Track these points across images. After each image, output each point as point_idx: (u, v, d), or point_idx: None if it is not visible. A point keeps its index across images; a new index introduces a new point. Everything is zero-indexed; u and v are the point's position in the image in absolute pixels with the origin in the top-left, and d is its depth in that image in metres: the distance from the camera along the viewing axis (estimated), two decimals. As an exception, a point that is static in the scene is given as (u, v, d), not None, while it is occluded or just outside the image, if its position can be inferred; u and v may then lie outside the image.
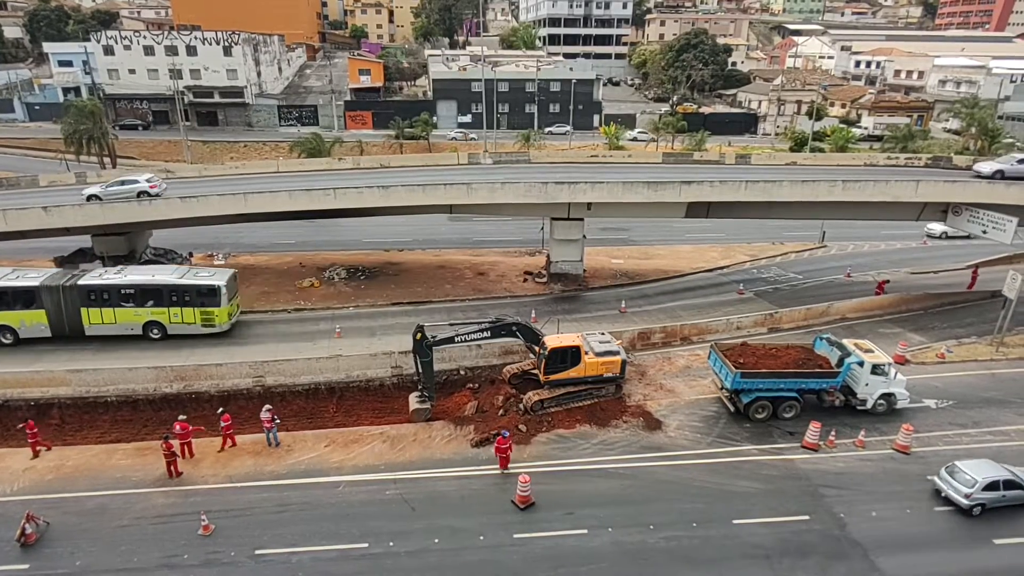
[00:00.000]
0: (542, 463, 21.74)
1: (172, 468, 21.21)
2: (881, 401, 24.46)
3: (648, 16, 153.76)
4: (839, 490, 20.48)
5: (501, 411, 24.66)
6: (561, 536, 18.47)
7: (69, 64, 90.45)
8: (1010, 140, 75.51)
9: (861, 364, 24.19)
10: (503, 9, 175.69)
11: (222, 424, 22.62)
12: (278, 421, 23.02)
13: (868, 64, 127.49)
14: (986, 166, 37.60)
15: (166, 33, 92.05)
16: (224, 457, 22.20)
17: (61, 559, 17.56)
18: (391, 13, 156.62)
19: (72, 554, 17.68)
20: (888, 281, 39.64)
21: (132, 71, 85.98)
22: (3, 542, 18.02)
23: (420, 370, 24.76)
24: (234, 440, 22.85)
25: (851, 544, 18.28)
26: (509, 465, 21.18)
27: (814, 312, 34.29)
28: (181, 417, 22.32)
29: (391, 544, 18.14)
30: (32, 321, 29.76)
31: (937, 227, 51.04)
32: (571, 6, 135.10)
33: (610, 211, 38.25)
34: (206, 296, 30.53)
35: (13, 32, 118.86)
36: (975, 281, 39.28)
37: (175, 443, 21.58)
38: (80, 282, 30.10)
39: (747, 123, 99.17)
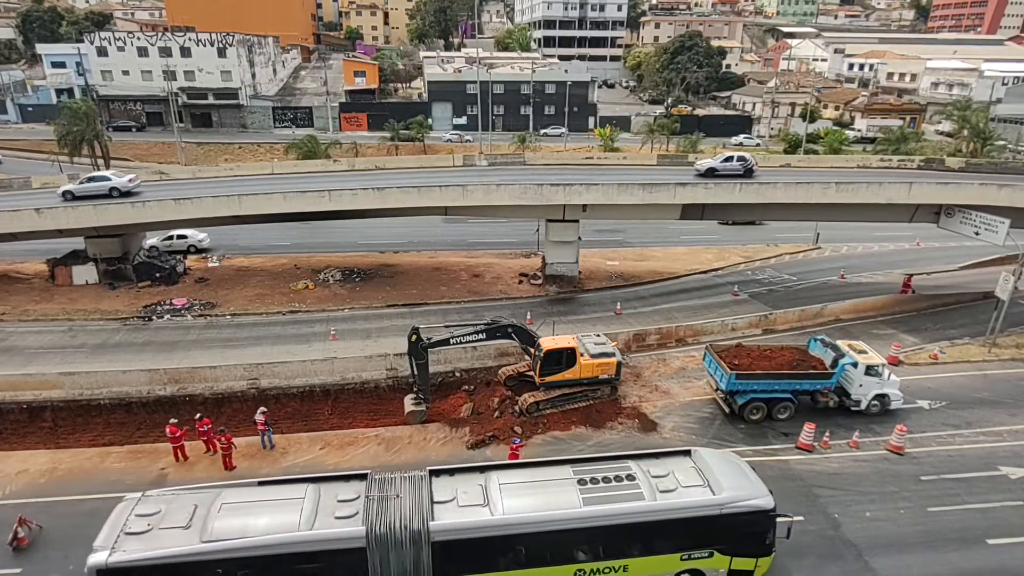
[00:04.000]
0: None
1: (228, 460, 21.54)
2: (875, 402, 24.54)
3: (643, 19, 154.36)
4: (833, 491, 20.55)
5: (497, 413, 24.66)
6: (557, 538, 18.43)
7: (62, 65, 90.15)
8: (1002, 142, 76.04)
9: (855, 365, 24.27)
10: (498, 11, 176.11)
11: (200, 429, 22.21)
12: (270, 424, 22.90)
13: (861, 67, 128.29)
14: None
15: (160, 34, 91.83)
16: (218, 460, 22.04)
17: (54, 563, 17.42)
18: (386, 15, 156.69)
19: (65, 558, 17.51)
20: (912, 276, 39.69)
21: (126, 72, 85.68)
22: (-5, 546, 17.88)
23: (415, 372, 24.71)
24: (215, 446, 22.24)
25: (845, 544, 18.34)
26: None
27: (808, 313, 34.42)
28: (173, 420, 22.16)
29: (386, 546, 18.07)
30: None
31: None
32: (566, 8, 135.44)
33: (605, 213, 38.33)
34: None
35: (6, 33, 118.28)
36: None
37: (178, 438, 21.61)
38: None
39: (741, 125, 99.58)
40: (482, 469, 16.41)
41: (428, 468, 16.26)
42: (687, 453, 17.35)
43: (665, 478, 15.90)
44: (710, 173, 38.20)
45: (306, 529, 14.07)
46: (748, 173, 38.07)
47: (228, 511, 14.48)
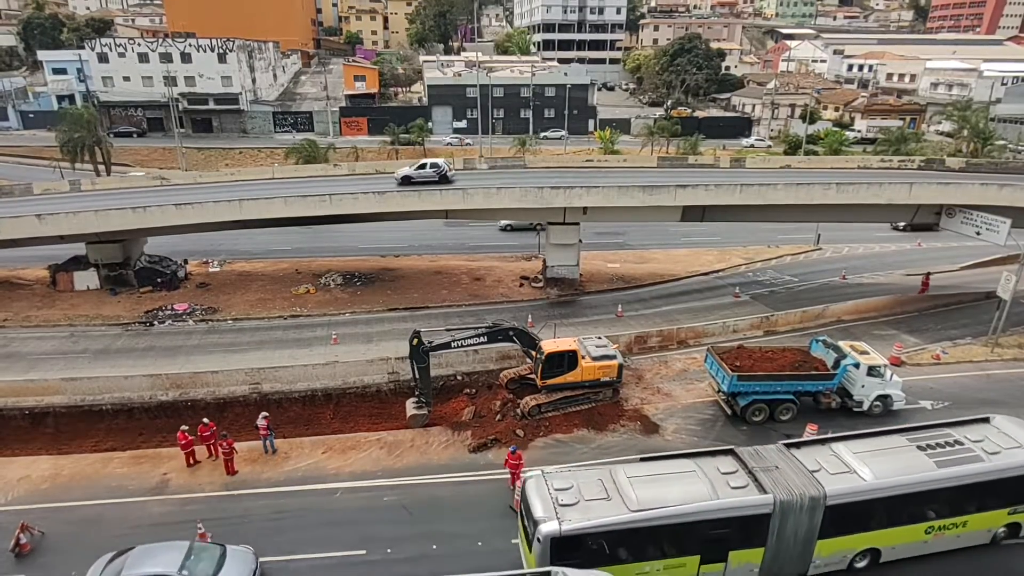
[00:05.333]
0: (540, 468, 21.64)
1: (229, 465, 21.59)
2: (877, 403, 24.47)
3: (642, 21, 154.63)
4: (836, 492, 20.45)
5: (498, 416, 24.61)
6: (559, 541, 18.38)
7: (63, 72, 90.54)
8: (1002, 142, 76.05)
9: (857, 366, 24.23)
10: (497, 15, 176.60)
11: (203, 434, 22.07)
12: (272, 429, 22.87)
13: (860, 68, 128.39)
14: None
15: (161, 40, 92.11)
16: (221, 465, 22.04)
17: (56, 569, 17.41)
18: (386, 19, 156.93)
19: (67, 564, 17.52)
20: (930, 275, 39.56)
21: (127, 78, 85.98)
22: (-3, 552, 17.88)
23: (417, 376, 24.69)
24: (216, 451, 22.11)
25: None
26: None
27: (810, 314, 34.37)
28: (184, 428, 22.10)
29: (389, 551, 18.06)
30: None
31: None
32: (565, 12, 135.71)
33: (606, 215, 38.31)
34: None
35: (7, 40, 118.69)
36: None
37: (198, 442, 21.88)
38: None
39: (741, 127, 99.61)
40: (823, 441, 17.91)
41: (782, 442, 17.64)
42: (987, 420, 18.83)
43: (983, 442, 17.28)
44: (406, 181, 37.45)
45: (713, 498, 15.27)
46: (443, 179, 37.75)
47: (639, 483, 15.59)
